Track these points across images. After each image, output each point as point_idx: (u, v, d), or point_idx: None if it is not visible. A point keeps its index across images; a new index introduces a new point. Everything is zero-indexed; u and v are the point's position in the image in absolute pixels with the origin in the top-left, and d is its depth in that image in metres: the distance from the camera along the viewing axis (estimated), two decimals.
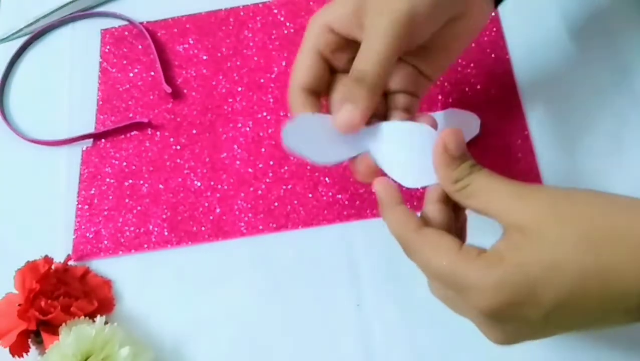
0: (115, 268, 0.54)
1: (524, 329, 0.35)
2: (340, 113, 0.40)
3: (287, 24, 0.63)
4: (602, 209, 0.33)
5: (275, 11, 0.64)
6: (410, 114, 0.44)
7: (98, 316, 0.49)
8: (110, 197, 0.58)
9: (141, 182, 0.58)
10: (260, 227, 0.55)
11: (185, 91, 0.62)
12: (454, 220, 0.40)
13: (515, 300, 0.32)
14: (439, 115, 0.56)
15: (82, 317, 0.49)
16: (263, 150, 0.58)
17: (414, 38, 0.41)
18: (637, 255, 0.31)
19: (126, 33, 0.66)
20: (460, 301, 0.36)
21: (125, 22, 0.66)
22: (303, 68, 0.43)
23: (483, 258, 0.34)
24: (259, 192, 0.56)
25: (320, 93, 0.44)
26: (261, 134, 0.58)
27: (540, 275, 0.32)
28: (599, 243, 0.32)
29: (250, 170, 0.57)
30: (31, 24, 0.67)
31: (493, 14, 0.60)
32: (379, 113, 0.43)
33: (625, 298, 0.32)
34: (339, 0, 0.42)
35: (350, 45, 0.42)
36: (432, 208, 0.39)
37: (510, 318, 0.34)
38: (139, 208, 0.57)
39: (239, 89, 0.61)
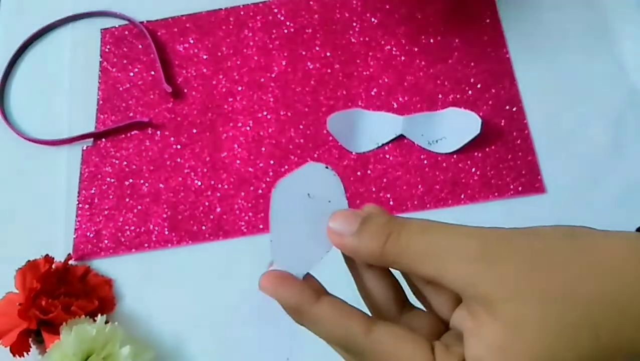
0: (115, 268, 0.55)
1: None
2: None
3: (287, 23, 0.63)
4: (589, 278, 0.26)
5: (275, 10, 0.64)
6: None
7: (99, 315, 0.49)
8: (111, 197, 0.58)
9: (142, 181, 0.58)
10: (261, 226, 0.55)
11: (185, 90, 0.62)
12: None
13: None
14: (439, 115, 0.56)
15: (83, 316, 0.49)
16: (263, 149, 0.58)
17: None
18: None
19: (126, 32, 0.66)
20: None
21: (126, 22, 0.66)
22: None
23: None
24: (259, 191, 0.56)
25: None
26: (261, 133, 0.58)
27: None
28: (595, 325, 0.25)
29: (250, 169, 0.57)
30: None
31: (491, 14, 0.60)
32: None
33: None
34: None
35: None
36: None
37: None
38: (139, 207, 0.57)
39: (239, 89, 0.61)
